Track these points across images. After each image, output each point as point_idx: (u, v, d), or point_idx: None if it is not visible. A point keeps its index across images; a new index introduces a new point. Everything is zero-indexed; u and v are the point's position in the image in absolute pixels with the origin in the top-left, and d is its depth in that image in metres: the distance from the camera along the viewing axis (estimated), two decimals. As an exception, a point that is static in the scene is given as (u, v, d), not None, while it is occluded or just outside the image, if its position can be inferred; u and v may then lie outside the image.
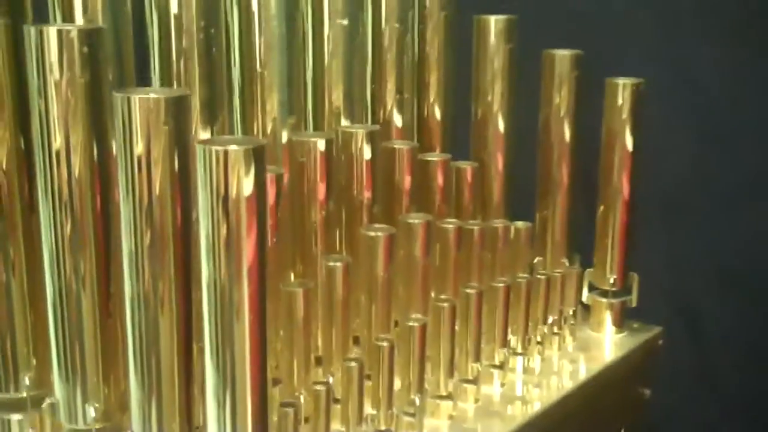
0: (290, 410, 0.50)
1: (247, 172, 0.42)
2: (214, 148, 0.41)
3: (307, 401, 0.55)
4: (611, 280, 0.79)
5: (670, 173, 1.03)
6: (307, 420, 0.54)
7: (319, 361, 0.59)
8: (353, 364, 0.54)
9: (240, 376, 0.44)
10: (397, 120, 0.75)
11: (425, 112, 0.79)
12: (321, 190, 0.63)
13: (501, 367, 0.67)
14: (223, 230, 0.43)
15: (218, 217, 0.42)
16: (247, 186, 0.42)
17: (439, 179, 0.72)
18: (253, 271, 0.43)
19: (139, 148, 0.44)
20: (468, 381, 0.64)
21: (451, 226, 0.67)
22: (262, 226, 0.43)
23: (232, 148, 0.41)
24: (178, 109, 0.45)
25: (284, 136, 0.66)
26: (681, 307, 1.05)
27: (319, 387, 0.52)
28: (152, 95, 0.44)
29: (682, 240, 1.06)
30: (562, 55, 0.78)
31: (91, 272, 0.50)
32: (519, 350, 0.70)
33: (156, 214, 0.45)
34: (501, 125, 0.79)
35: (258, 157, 0.42)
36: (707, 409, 1.05)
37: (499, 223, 0.73)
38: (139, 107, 0.44)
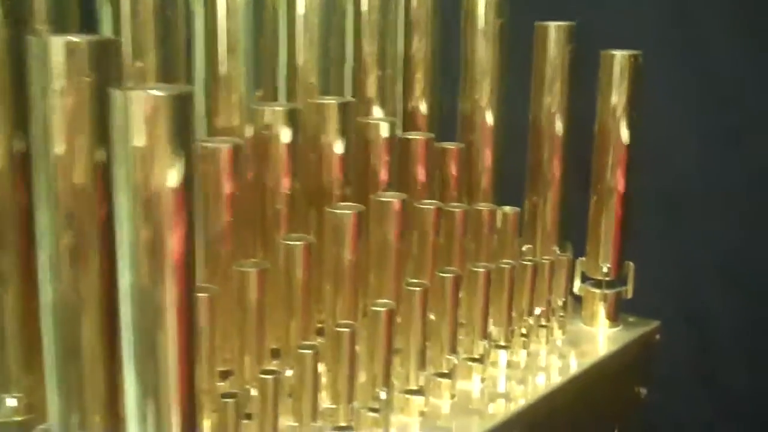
0: (231, 402, 0.44)
1: (171, 124, 0.36)
2: (128, 93, 0.35)
3: (255, 395, 0.49)
4: (605, 269, 0.74)
5: (671, 166, 0.98)
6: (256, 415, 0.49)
7: (275, 352, 0.53)
8: (307, 351, 0.48)
9: (164, 389, 0.38)
10: (379, 102, 0.69)
11: (410, 95, 0.73)
12: (285, 167, 0.58)
13: (481, 360, 0.62)
14: (141, 212, 0.36)
15: (135, 187, 0.36)
16: (170, 146, 0.36)
17: (422, 161, 0.66)
18: (180, 265, 0.37)
19: (54, 103, 0.39)
20: (442, 375, 0.58)
21: (430, 207, 0.62)
22: (187, 196, 0.37)
23: (153, 93, 0.35)
24: (104, 57, 0.39)
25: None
26: (680, 304, 1.00)
27: (266, 376, 0.47)
28: (73, 39, 0.39)
29: (683, 235, 1.00)
30: (556, 27, 0.73)
31: (12, 261, 0.45)
32: (501, 343, 0.64)
33: (77, 185, 0.40)
34: (490, 110, 0.73)
35: (183, 105, 0.36)
36: (706, 410, 1.00)
37: (484, 207, 0.68)
38: (58, 53, 0.39)
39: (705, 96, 0.98)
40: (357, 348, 0.51)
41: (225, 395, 0.45)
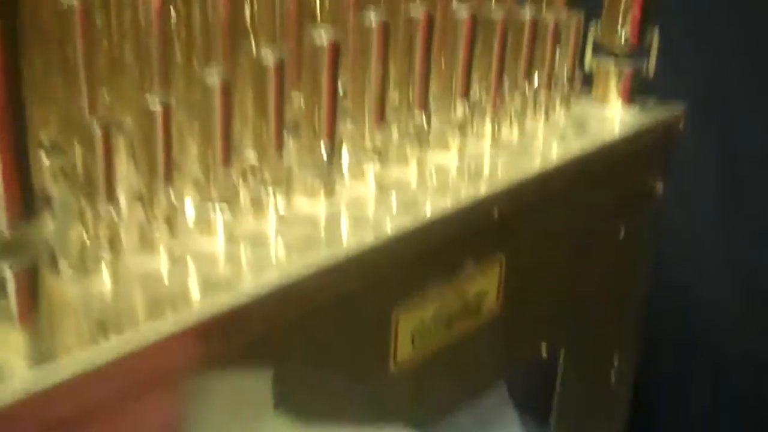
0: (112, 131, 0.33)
1: None
2: None
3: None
4: (623, 37, 0.60)
5: None
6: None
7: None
8: (212, 75, 0.36)
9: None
10: None
11: None
12: None
13: (461, 127, 0.50)
14: None
15: None
16: None
17: None
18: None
19: None
20: (409, 138, 0.47)
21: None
22: None
23: None
24: None
25: None
26: (705, 104, 0.86)
27: (154, 107, 0.35)
28: None
29: (710, 30, 0.86)
30: None
31: None
32: (487, 110, 0.52)
33: None
34: None
35: None
36: (731, 234, 0.88)
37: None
38: None
39: None
40: (293, 91, 0.39)
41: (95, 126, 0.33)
